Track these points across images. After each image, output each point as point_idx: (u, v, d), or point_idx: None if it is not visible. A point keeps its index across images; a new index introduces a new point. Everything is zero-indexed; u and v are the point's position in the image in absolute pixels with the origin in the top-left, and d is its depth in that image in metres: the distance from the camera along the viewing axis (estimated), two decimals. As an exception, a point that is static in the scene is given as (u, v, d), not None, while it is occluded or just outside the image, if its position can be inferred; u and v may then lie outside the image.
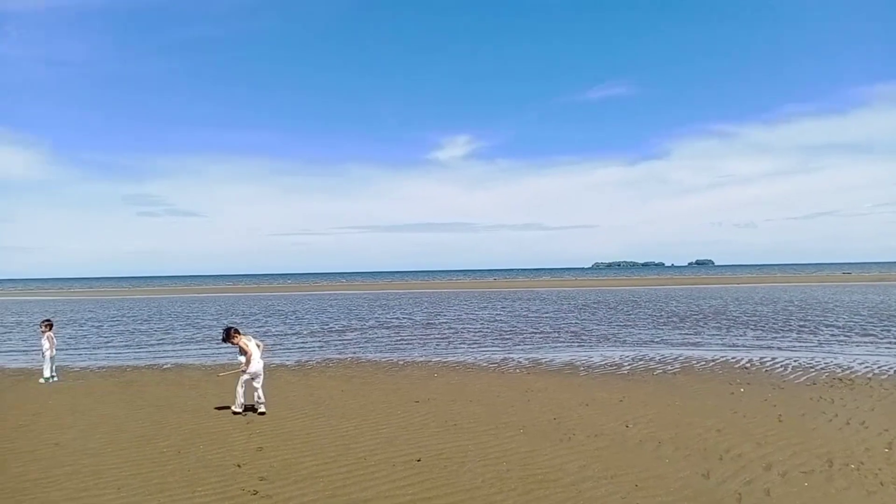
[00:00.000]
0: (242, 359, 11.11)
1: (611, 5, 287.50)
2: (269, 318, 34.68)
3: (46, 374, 15.01)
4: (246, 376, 11.05)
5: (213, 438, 9.40)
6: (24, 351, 21.80)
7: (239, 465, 7.94)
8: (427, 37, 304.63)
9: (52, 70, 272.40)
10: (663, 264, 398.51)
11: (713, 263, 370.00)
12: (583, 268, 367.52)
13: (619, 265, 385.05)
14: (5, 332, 29.17)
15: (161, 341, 24.36)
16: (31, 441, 9.42)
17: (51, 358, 15.09)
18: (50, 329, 15.26)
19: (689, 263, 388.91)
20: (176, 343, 23.69)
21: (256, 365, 11.05)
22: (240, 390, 11.10)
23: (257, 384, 11.11)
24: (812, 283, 70.97)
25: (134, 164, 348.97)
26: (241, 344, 11.10)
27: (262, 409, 11.09)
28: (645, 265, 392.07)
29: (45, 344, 15.04)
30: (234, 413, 11.02)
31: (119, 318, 36.61)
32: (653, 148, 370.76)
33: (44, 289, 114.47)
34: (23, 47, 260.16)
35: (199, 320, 34.39)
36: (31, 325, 33.35)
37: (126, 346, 23.14)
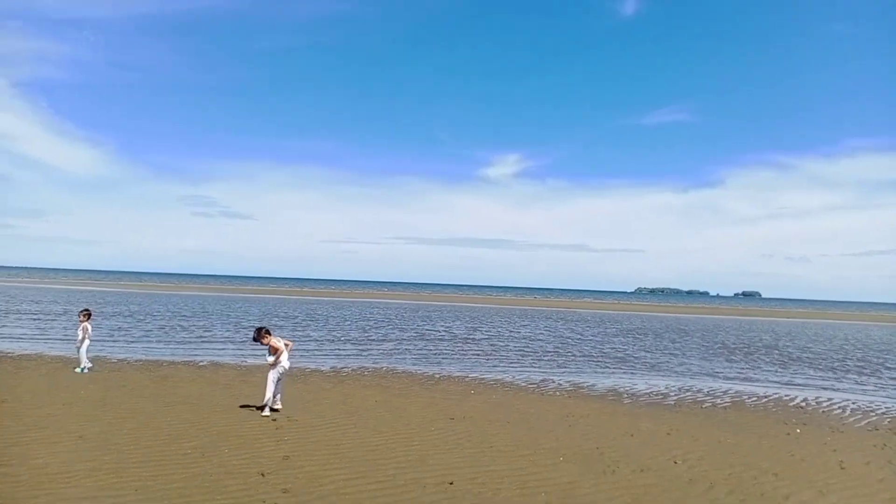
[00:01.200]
0: (271, 358, 11.17)
1: (672, 32, 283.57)
2: (310, 322, 34.67)
3: (83, 363, 15.00)
4: (275, 374, 11.06)
5: (240, 442, 9.08)
6: (64, 339, 22.04)
7: (263, 475, 7.58)
8: (485, 57, 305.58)
9: (122, 74, 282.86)
10: (708, 293, 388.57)
11: (760, 295, 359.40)
12: (626, 292, 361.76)
13: (662, 291, 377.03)
14: (52, 320, 29.74)
15: (201, 338, 24.43)
16: (57, 431, 9.25)
17: (86, 348, 15.07)
18: (88, 319, 15.27)
19: (735, 294, 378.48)
20: (215, 341, 23.71)
21: (285, 363, 11.23)
22: (271, 387, 11.07)
23: (280, 383, 11.27)
24: (868, 322, 68.02)
25: (192, 167, 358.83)
26: (271, 343, 11.21)
27: (278, 404, 11.31)
28: (689, 293, 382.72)
29: (80, 334, 15.04)
30: (263, 415, 10.92)
31: (163, 314, 37.10)
32: (707, 176, 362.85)
33: (98, 280, 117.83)
34: (98, 51, 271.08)
35: (241, 320, 34.56)
36: (67, 314, 34.08)
37: (166, 340, 23.25)
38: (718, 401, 15.26)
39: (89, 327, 15.22)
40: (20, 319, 28.80)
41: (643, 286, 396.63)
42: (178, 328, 28.02)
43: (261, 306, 50.16)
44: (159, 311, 38.23)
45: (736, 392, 16.64)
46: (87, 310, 15.71)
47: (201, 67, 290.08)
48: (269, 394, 11.07)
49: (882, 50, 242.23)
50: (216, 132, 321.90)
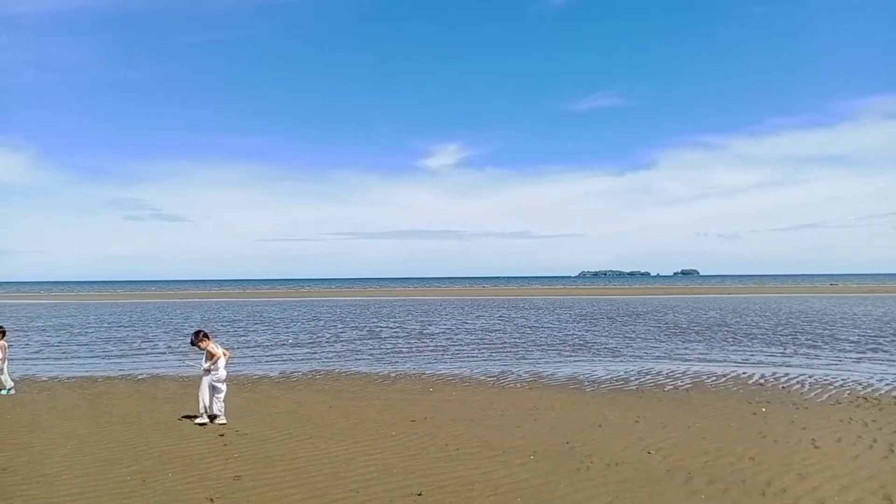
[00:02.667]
0: (206, 364, 10.72)
1: (601, 17, 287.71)
2: (256, 325, 33.46)
3: (8, 385, 13.79)
4: (209, 379, 10.63)
5: (185, 463, 8.29)
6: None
7: (212, 500, 6.84)
8: (418, 46, 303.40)
9: (42, 75, 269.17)
10: (649, 274, 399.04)
11: (698, 273, 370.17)
12: (570, 276, 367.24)
13: (605, 274, 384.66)
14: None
15: (139, 350, 23.13)
16: (-24, 466, 8.27)
17: (6, 368, 13.85)
18: (2, 337, 13.99)
19: (675, 273, 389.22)
20: (155, 351, 22.48)
21: (223, 371, 10.79)
22: (204, 393, 10.60)
23: (220, 393, 10.71)
24: (804, 294, 70.51)
25: (120, 169, 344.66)
26: (209, 348, 10.74)
27: (222, 419, 10.69)
28: (631, 274, 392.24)
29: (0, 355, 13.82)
30: (197, 423, 10.51)
31: (98, 325, 35.26)
32: (641, 158, 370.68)
33: (25, 292, 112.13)
34: (13, 51, 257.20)
35: (181, 327, 33.09)
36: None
37: (101, 354, 21.90)
38: (679, 383, 15.14)
39: (6, 346, 13.94)
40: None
41: (586, 270, 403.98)
42: (114, 340, 26.53)
43: (202, 311, 48.41)
44: (94, 323, 36.33)
45: (695, 373, 16.59)
46: (1, 327, 14.37)
47: (125, 64, 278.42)
48: (201, 401, 10.65)
49: (799, 30, 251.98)
50: (144, 131, 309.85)
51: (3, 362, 13.77)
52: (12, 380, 14.05)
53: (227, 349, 11.34)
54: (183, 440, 9.58)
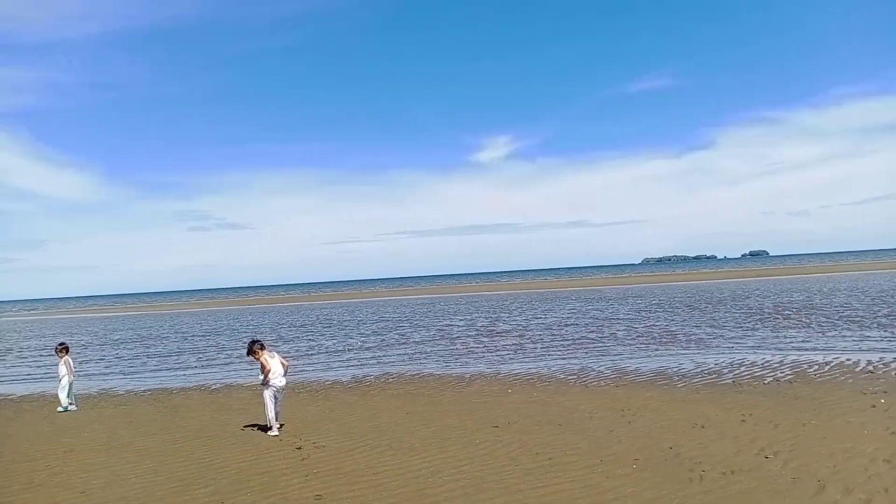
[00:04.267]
0: (261, 377, 10.61)
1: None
2: (324, 329, 33.42)
3: (64, 403, 13.78)
4: (269, 392, 10.48)
5: (264, 482, 7.84)
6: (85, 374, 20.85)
7: (293, 526, 6.33)
8: (461, 41, 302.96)
9: (101, 93, 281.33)
10: (715, 257, 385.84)
11: (768, 254, 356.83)
12: (633, 264, 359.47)
13: (669, 260, 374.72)
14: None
15: (211, 360, 23.22)
16: (56, 489, 8.02)
17: (69, 385, 13.84)
18: (66, 353, 13.99)
19: (743, 255, 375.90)
20: (226, 361, 22.52)
21: (278, 381, 10.53)
22: (269, 405, 10.49)
23: (278, 405, 10.66)
24: (890, 270, 66.31)
25: (183, 182, 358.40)
26: (261, 360, 10.61)
27: (275, 429, 10.59)
28: (696, 258, 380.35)
29: (63, 370, 13.79)
30: (271, 435, 10.33)
31: (172, 335, 35.98)
32: (698, 138, 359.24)
33: (102, 306, 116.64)
34: (74, 73, 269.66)
35: (252, 334, 33.37)
36: (84, 345, 32.97)
37: (175, 365, 22.09)
38: (779, 374, 13.97)
39: (71, 362, 13.93)
40: (21, 357, 27.60)
41: (650, 256, 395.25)
42: (187, 350, 26.85)
43: (270, 316, 48.98)
44: (167, 333, 37.09)
45: (793, 362, 15.35)
46: (63, 343, 14.39)
47: (178, 78, 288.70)
48: (268, 413, 10.52)
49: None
50: (204, 144, 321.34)
51: (68, 378, 13.75)
52: (76, 396, 14.11)
53: (286, 357, 11.18)
54: (260, 455, 9.16)
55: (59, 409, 13.72)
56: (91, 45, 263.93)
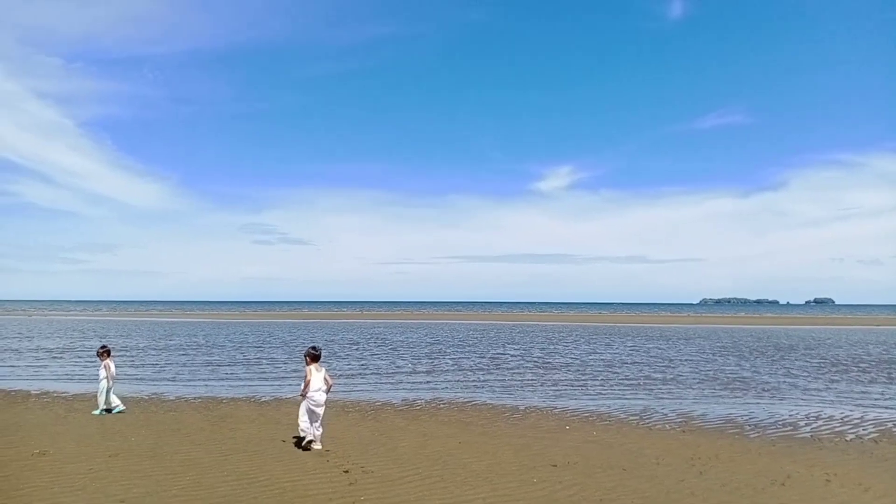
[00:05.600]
0: (301, 386, 10.69)
1: (724, 28, 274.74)
2: (376, 348, 33.15)
3: (102, 405, 13.70)
4: (304, 405, 10.48)
5: (308, 506, 7.43)
6: (122, 376, 21.07)
7: (337, 559, 5.87)
8: (528, 69, 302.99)
9: (180, 108, 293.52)
10: (777, 302, 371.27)
11: (833, 302, 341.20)
12: (690, 303, 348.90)
13: (729, 301, 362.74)
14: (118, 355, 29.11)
15: (264, 371, 23.17)
16: (95, 494, 7.79)
17: (107, 389, 13.75)
18: (108, 356, 13.95)
19: (807, 301, 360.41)
20: (278, 373, 22.41)
21: (316, 395, 10.44)
22: (303, 417, 10.47)
23: (317, 420, 10.52)
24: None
25: (251, 195, 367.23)
26: (305, 370, 10.70)
27: (317, 445, 10.49)
28: (758, 302, 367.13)
29: (102, 373, 13.73)
30: (305, 449, 10.41)
31: (227, 344, 36.35)
32: (768, 178, 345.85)
33: (166, 311, 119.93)
34: (156, 87, 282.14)
35: (304, 349, 33.36)
36: (141, 348, 33.60)
37: (228, 374, 22.09)
38: (861, 430, 12.87)
39: (112, 365, 13.88)
40: (78, 356, 28.15)
41: (708, 297, 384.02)
42: (241, 360, 26.94)
43: (324, 332, 49.16)
44: (223, 342, 37.50)
45: (876, 419, 14.16)
46: (105, 346, 14.35)
47: (252, 98, 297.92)
48: (301, 423, 10.49)
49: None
50: (271, 160, 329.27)
51: (109, 381, 13.71)
52: (123, 398, 14.08)
53: (331, 375, 11.04)
54: (305, 475, 8.77)
55: (95, 412, 13.66)
56: (175, 61, 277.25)
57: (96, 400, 13.92)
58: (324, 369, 10.77)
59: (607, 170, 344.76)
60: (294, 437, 10.98)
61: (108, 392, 13.75)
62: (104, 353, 14.00)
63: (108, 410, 13.71)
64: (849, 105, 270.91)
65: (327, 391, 10.64)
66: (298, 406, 10.82)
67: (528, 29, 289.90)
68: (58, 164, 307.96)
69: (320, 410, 10.49)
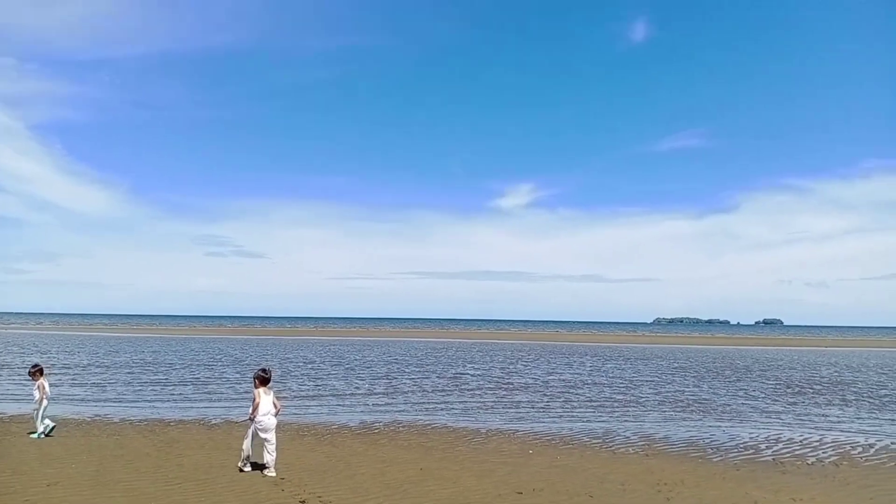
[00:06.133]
0: (250, 411, 10.31)
1: (684, 54, 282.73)
2: (331, 368, 32.39)
3: (40, 429, 12.86)
4: (252, 428, 10.18)
5: (261, 542, 6.92)
6: (62, 396, 20.02)
7: None
8: (493, 88, 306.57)
9: (136, 112, 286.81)
10: (728, 322, 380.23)
11: (782, 323, 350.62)
12: (645, 322, 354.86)
13: (681, 321, 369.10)
14: (51, 374, 27.76)
15: (212, 393, 22.30)
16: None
17: (42, 410, 12.93)
18: (41, 375, 13.13)
19: (757, 322, 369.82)
20: (229, 393, 21.62)
21: (265, 419, 10.10)
22: (247, 440, 10.22)
23: (267, 443, 10.13)
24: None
25: (205, 206, 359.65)
26: (254, 393, 10.27)
27: (270, 472, 10.03)
28: (709, 322, 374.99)
29: (37, 394, 12.91)
30: (241, 470, 10.17)
31: (176, 363, 35.08)
32: (722, 201, 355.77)
33: (112, 325, 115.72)
34: (114, 91, 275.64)
35: (256, 366, 32.40)
36: (84, 366, 32.20)
37: (177, 395, 21.19)
38: (822, 454, 12.91)
39: (46, 385, 13.06)
40: (18, 373, 26.68)
41: (661, 316, 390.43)
42: (190, 379, 25.95)
43: (278, 349, 47.98)
44: (171, 360, 36.18)
45: (835, 441, 14.27)
46: (37, 365, 13.49)
47: (214, 105, 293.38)
48: (244, 447, 10.27)
49: (892, 69, 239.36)
50: (229, 170, 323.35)
51: (41, 403, 12.89)
52: (49, 421, 13.14)
53: (279, 398, 10.72)
54: (258, 506, 8.24)
55: (33, 435, 12.82)
56: (135, 65, 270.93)
57: (34, 423, 13.05)
58: (272, 392, 10.42)
59: (566, 189, 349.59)
60: (256, 469, 10.37)
61: (43, 412, 12.92)
62: (37, 372, 13.14)
63: (47, 434, 12.88)
64: (801, 132, 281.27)
65: (276, 415, 10.31)
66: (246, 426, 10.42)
67: (493, 49, 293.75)
68: (4, 169, 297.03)
69: (270, 435, 10.12)
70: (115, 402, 18.95)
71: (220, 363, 33.98)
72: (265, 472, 9.99)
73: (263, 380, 10.30)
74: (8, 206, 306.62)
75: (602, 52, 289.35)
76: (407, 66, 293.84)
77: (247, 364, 33.55)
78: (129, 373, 27.65)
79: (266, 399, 10.19)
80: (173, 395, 20.87)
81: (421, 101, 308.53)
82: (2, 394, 20.17)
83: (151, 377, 25.97)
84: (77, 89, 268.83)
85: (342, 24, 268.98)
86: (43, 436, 12.79)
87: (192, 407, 18.14)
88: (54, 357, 36.15)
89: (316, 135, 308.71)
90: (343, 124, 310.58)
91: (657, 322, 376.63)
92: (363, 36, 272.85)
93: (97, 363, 32.52)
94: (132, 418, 15.88)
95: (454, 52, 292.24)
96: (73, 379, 24.87)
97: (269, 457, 10.09)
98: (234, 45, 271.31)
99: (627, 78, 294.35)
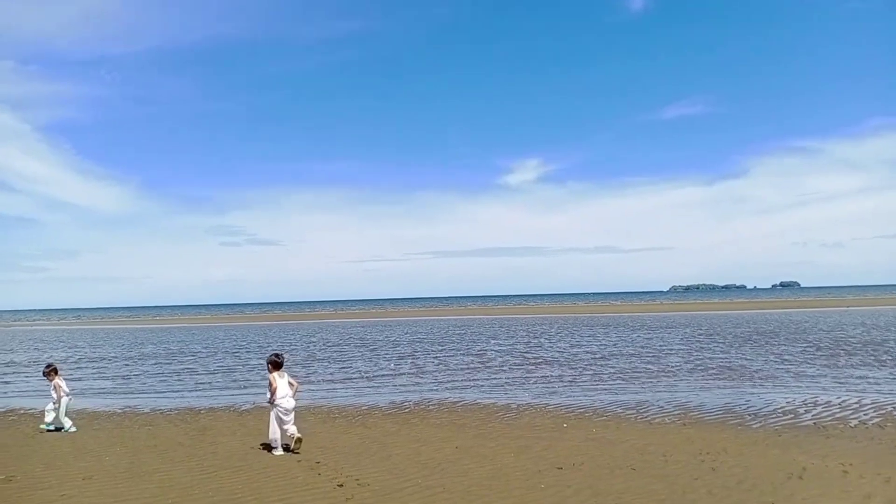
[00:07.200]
0: (268, 395, 10.62)
1: (683, 21, 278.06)
2: (356, 349, 32.42)
3: (68, 423, 12.91)
4: (274, 412, 10.42)
5: (303, 528, 6.81)
6: (91, 390, 20.13)
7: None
8: (494, 63, 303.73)
9: (141, 109, 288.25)
10: (745, 287, 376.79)
11: (799, 285, 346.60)
12: (661, 291, 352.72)
13: (697, 288, 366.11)
14: (78, 368, 28.01)
15: (240, 380, 22.40)
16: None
17: (56, 408, 12.97)
18: (56, 375, 13.12)
19: (773, 286, 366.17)
20: (256, 379, 21.62)
21: (283, 402, 10.37)
22: (273, 425, 10.44)
23: (287, 424, 10.38)
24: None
25: (217, 197, 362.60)
26: (269, 378, 10.61)
27: (293, 432, 10.40)
28: (726, 288, 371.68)
29: (55, 395, 12.96)
30: (275, 454, 10.22)
31: (201, 350, 35.31)
32: (731, 166, 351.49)
33: (135, 317, 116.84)
34: (116, 88, 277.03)
35: (281, 351, 32.46)
36: (110, 359, 32.48)
37: (206, 383, 21.27)
38: (863, 416, 12.63)
39: (62, 384, 13.05)
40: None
41: (677, 284, 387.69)
42: (217, 367, 26.06)
43: (299, 333, 48.18)
44: (196, 349, 36.43)
45: (874, 403, 13.96)
46: (51, 365, 13.48)
47: (217, 97, 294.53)
48: (270, 434, 10.45)
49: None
50: (239, 160, 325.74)
51: (59, 401, 12.91)
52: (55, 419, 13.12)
53: (295, 379, 11.04)
54: (297, 491, 8.13)
55: (70, 429, 12.88)
56: (133, 61, 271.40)
57: (61, 420, 13.06)
58: (286, 375, 10.74)
59: (574, 162, 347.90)
60: (290, 454, 10.29)
61: (59, 410, 12.93)
62: (51, 372, 13.16)
63: (59, 428, 12.92)
64: (807, 93, 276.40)
65: (293, 396, 10.60)
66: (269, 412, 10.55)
67: (493, 25, 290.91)
68: (14, 170, 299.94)
69: (291, 417, 10.43)
70: (143, 392, 19.02)
71: (244, 350, 34.14)
72: (289, 433, 10.33)
73: (276, 364, 10.64)
74: (23, 207, 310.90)
75: (602, 21, 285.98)
76: (405, 48, 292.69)
77: (271, 350, 33.64)
78: (154, 363, 27.83)
79: (282, 382, 10.50)
80: (201, 383, 20.93)
81: (421, 81, 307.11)
82: (33, 390, 20.30)
83: (178, 367, 26.11)
84: (80, 89, 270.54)
85: (337, 11, 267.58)
86: (53, 428, 12.86)
87: (220, 395, 18.16)
88: (81, 350, 36.51)
89: (321, 121, 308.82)
90: (345, 110, 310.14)
91: (673, 290, 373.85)
92: (359, 21, 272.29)
93: (123, 355, 32.78)
94: (162, 408, 15.91)
95: (454, 32, 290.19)
96: (100, 372, 25.04)
97: (291, 428, 10.37)
98: (235, 35, 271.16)
99: (629, 47, 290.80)
